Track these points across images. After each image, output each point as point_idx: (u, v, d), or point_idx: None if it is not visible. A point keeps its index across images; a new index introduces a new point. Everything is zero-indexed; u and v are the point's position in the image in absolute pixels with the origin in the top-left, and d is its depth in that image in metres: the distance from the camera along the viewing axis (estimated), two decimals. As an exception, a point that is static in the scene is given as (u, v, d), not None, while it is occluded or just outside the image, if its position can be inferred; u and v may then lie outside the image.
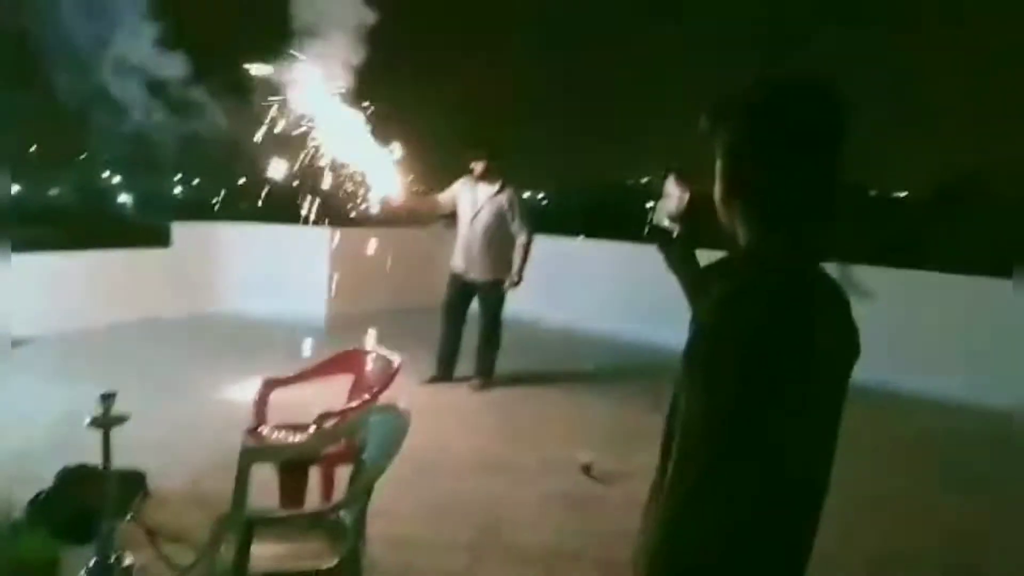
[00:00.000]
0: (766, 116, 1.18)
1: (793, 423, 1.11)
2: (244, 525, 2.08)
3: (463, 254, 5.64)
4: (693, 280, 1.39)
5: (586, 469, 4.13)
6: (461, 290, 5.73)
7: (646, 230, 1.50)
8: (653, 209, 1.48)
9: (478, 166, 5.53)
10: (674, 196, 1.46)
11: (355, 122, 4.14)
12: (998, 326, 5.62)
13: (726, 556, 1.10)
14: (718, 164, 1.24)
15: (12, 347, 5.91)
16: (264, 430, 3.30)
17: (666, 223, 1.46)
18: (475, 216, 5.56)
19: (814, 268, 1.20)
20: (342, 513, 2.37)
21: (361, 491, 2.24)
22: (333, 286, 7.67)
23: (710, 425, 1.09)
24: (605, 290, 7.71)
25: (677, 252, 1.45)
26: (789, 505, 1.14)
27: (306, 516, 2.49)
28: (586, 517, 3.68)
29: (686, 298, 1.40)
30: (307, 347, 5.19)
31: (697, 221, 1.37)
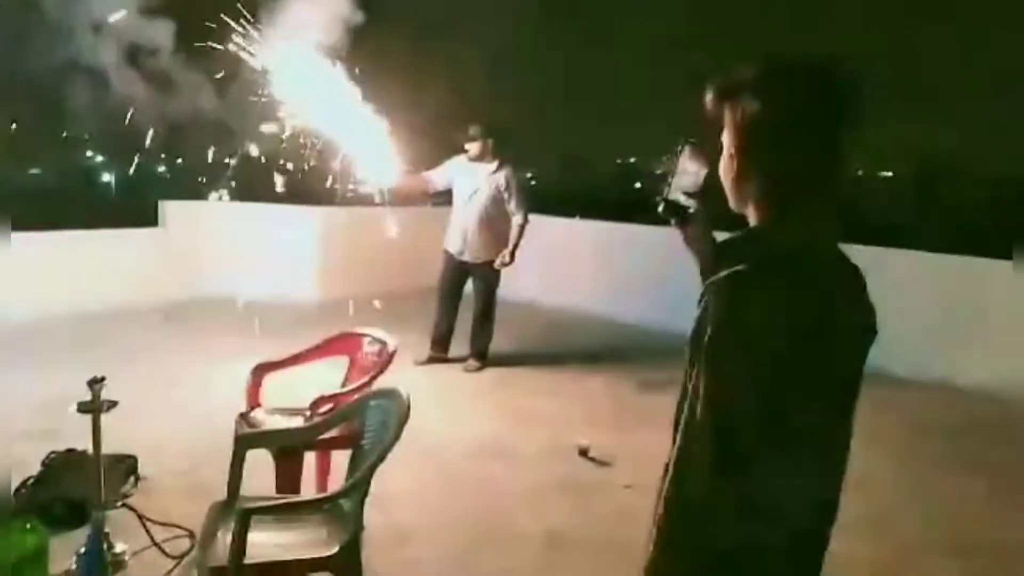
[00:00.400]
0: (776, 92, 1.17)
1: (805, 404, 1.10)
2: (241, 515, 2.01)
3: (459, 235, 5.55)
4: (709, 257, 1.38)
5: (583, 452, 4.09)
6: (456, 270, 5.65)
7: (660, 206, 1.44)
8: (667, 185, 1.43)
9: (474, 146, 5.43)
10: (691, 171, 1.42)
11: (344, 93, 4.03)
12: (999, 307, 5.58)
13: (740, 535, 1.09)
14: (726, 142, 1.24)
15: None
16: (258, 414, 3.23)
17: (682, 199, 1.42)
18: (471, 196, 5.47)
19: (826, 247, 1.20)
20: (341, 500, 2.31)
21: (362, 479, 2.17)
22: (323, 267, 7.58)
23: (715, 406, 1.08)
24: (599, 271, 7.66)
25: (695, 229, 1.43)
26: (801, 488, 1.13)
27: (305, 504, 2.43)
28: (585, 500, 3.65)
29: (700, 275, 1.38)
30: (299, 329, 5.11)
31: (714, 197, 1.34)
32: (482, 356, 5.68)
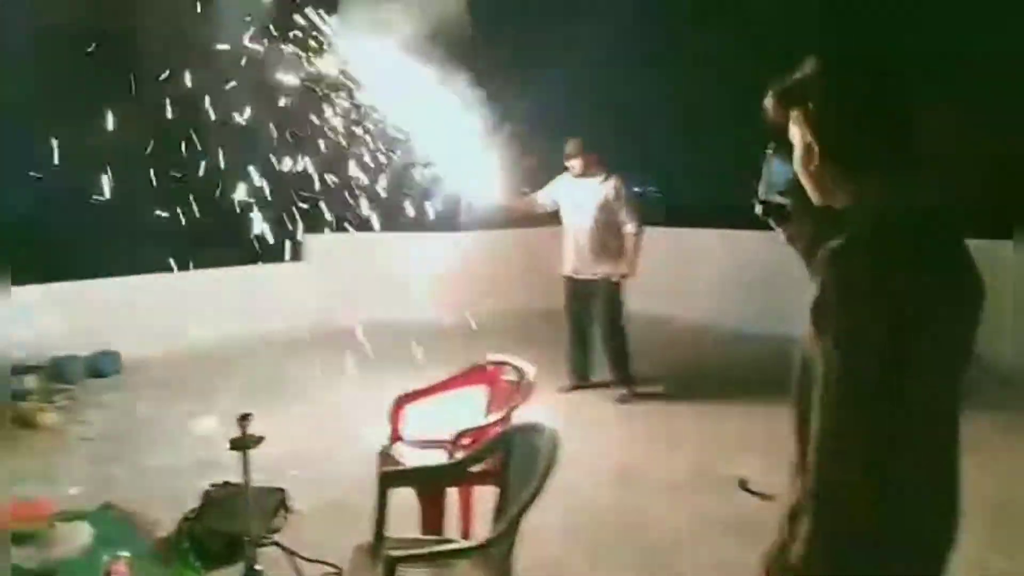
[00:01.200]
0: (835, 85, 1.26)
1: (925, 362, 1.13)
2: (388, 563, 1.89)
3: (572, 254, 5.33)
4: (812, 249, 1.36)
5: (743, 484, 3.73)
6: (578, 293, 5.41)
7: (759, 209, 1.53)
8: (762, 187, 1.51)
9: (575, 162, 5.23)
10: (781, 172, 1.47)
11: (454, 114, 3.90)
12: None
13: (883, 499, 1.13)
14: (801, 139, 1.30)
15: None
16: (399, 448, 3.16)
17: (777, 198, 1.49)
18: (580, 213, 5.24)
19: (917, 214, 1.22)
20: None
21: (513, 524, 2.01)
22: (453, 291, 7.59)
23: (848, 376, 1.12)
24: (736, 283, 7.18)
25: (795, 225, 1.49)
26: (933, 444, 1.19)
27: (454, 551, 2.29)
28: (749, 538, 3.30)
29: (808, 269, 1.40)
30: (435, 356, 5.08)
31: (806, 193, 1.37)
32: (629, 381, 5.34)
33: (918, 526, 1.19)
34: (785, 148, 1.41)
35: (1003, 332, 5.23)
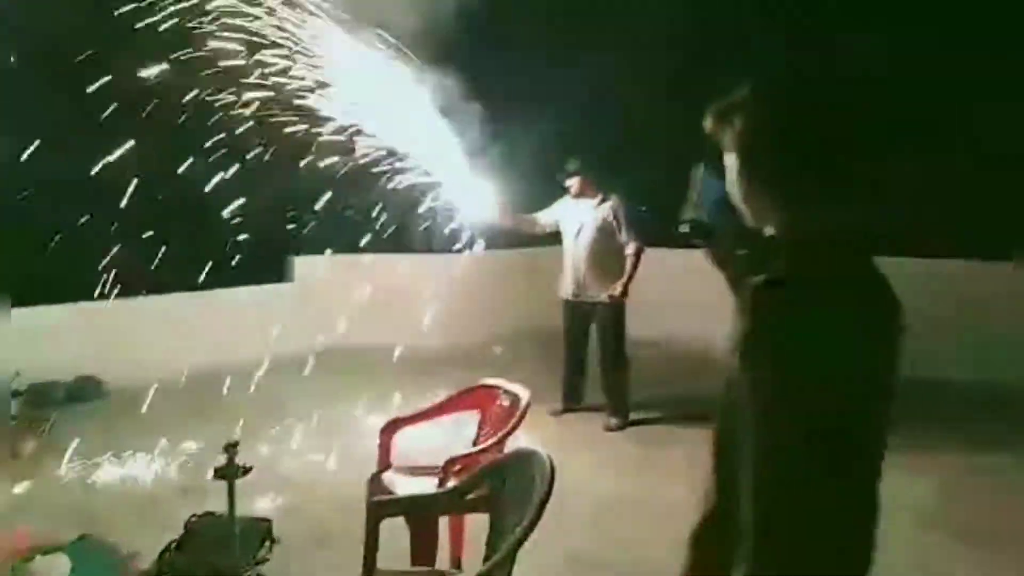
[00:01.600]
0: (767, 107, 1.24)
1: (848, 397, 1.12)
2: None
3: (571, 276, 5.28)
4: (738, 273, 1.37)
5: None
6: (576, 316, 5.35)
7: (685, 228, 1.45)
8: (691, 206, 1.44)
9: (573, 182, 5.20)
10: (711, 191, 1.42)
11: (447, 138, 3.85)
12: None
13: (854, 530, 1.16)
14: (734, 161, 1.28)
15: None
16: (389, 475, 3.09)
17: (706, 219, 1.43)
18: (578, 234, 5.20)
19: (843, 251, 1.20)
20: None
21: (507, 557, 1.94)
22: (445, 315, 7.53)
23: (773, 420, 1.13)
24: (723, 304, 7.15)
25: (722, 246, 1.44)
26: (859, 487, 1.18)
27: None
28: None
29: (733, 292, 1.38)
30: (425, 380, 5.01)
31: (737, 214, 1.34)
32: (621, 413, 5.25)
33: (842, 558, 1.19)
34: (717, 167, 1.39)
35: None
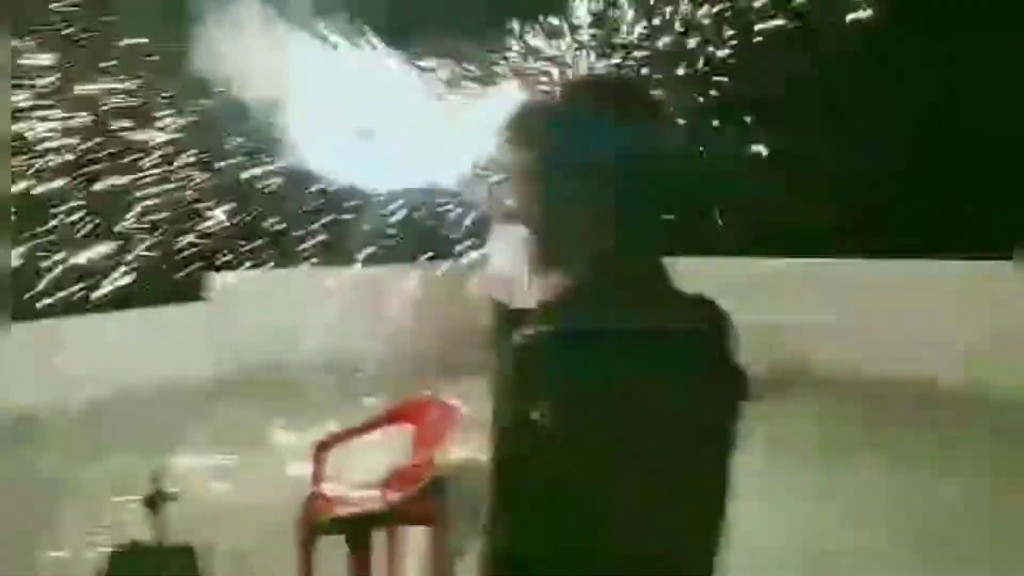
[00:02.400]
0: (521, 139, 1.07)
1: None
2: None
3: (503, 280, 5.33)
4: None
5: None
6: (506, 320, 5.41)
7: None
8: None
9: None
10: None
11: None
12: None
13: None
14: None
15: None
16: (324, 492, 3.04)
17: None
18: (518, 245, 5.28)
19: (613, 297, 1.05)
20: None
21: (451, 567, 1.96)
22: (378, 329, 7.42)
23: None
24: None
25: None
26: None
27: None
28: None
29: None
30: (358, 397, 4.95)
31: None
32: None
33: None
34: None
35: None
